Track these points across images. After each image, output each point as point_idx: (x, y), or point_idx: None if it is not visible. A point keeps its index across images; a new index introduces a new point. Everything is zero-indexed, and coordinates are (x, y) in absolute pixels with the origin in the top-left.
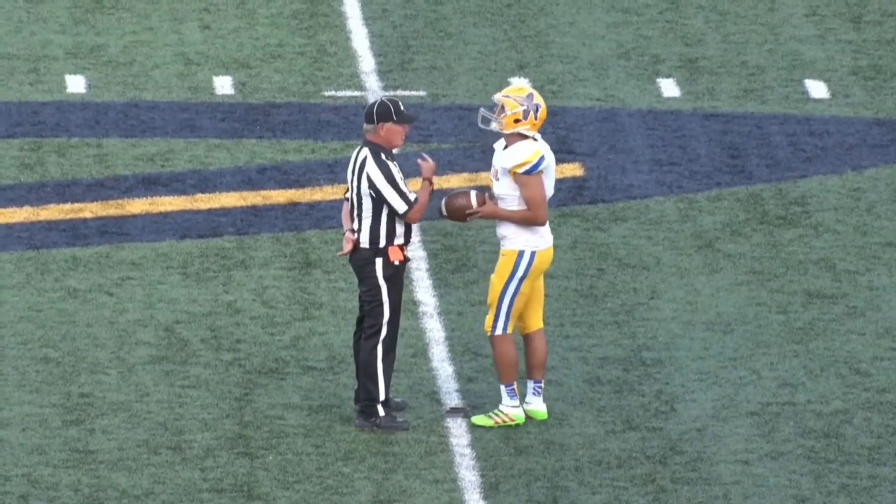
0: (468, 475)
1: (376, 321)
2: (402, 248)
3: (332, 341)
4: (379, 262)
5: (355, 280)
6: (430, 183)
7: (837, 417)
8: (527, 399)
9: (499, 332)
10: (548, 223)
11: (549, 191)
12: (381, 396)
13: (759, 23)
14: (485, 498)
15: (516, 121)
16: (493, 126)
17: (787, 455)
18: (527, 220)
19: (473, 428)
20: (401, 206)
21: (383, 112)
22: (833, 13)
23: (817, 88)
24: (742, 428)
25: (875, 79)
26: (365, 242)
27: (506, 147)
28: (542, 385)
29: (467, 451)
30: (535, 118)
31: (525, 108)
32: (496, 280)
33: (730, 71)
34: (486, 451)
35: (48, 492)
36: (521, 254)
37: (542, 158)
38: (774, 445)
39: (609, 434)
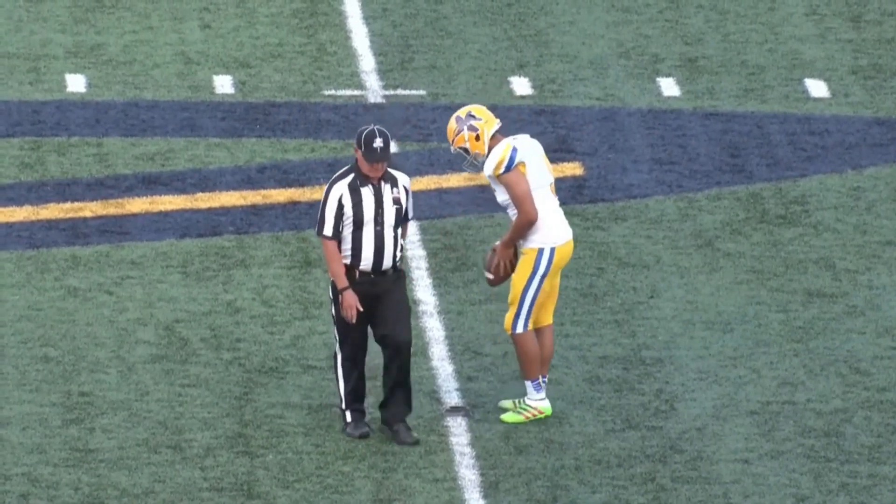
0: (468, 474)
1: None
2: (347, 268)
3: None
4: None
5: None
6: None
7: (837, 416)
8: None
9: (520, 329)
10: (562, 217)
11: (544, 177)
12: (342, 405)
13: (759, 22)
14: (485, 497)
15: (476, 139)
16: (478, 162)
17: (787, 454)
18: (522, 226)
19: (473, 427)
20: (317, 226)
21: (358, 138)
22: (833, 12)
23: (817, 87)
24: (742, 427)
25: (875, 78)
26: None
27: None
28: (547, 380)
29: (467, 449)
30: (480, 119)
31: (466, 125)
32: (517, 279)
33: (730, 70)
34: (485, 449)
35: (48, 491)
36: (540, 251)
37: (514, 150)
38: (774, 444)
39: (609, 433)
